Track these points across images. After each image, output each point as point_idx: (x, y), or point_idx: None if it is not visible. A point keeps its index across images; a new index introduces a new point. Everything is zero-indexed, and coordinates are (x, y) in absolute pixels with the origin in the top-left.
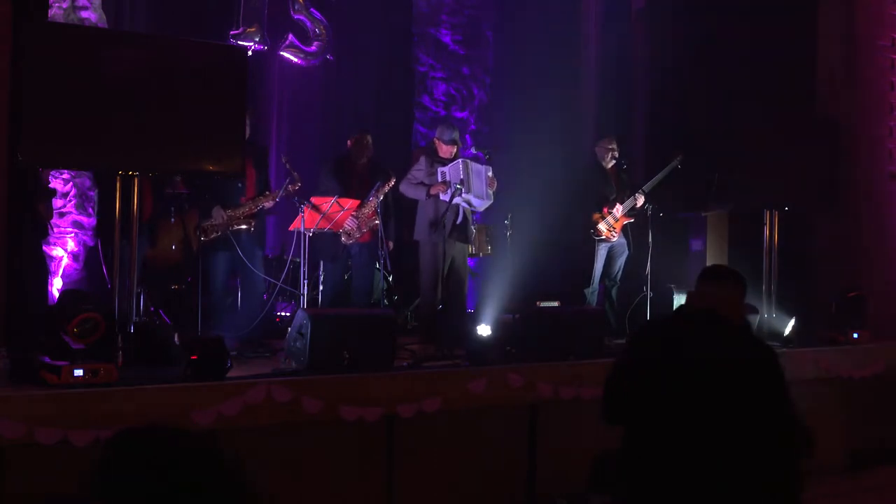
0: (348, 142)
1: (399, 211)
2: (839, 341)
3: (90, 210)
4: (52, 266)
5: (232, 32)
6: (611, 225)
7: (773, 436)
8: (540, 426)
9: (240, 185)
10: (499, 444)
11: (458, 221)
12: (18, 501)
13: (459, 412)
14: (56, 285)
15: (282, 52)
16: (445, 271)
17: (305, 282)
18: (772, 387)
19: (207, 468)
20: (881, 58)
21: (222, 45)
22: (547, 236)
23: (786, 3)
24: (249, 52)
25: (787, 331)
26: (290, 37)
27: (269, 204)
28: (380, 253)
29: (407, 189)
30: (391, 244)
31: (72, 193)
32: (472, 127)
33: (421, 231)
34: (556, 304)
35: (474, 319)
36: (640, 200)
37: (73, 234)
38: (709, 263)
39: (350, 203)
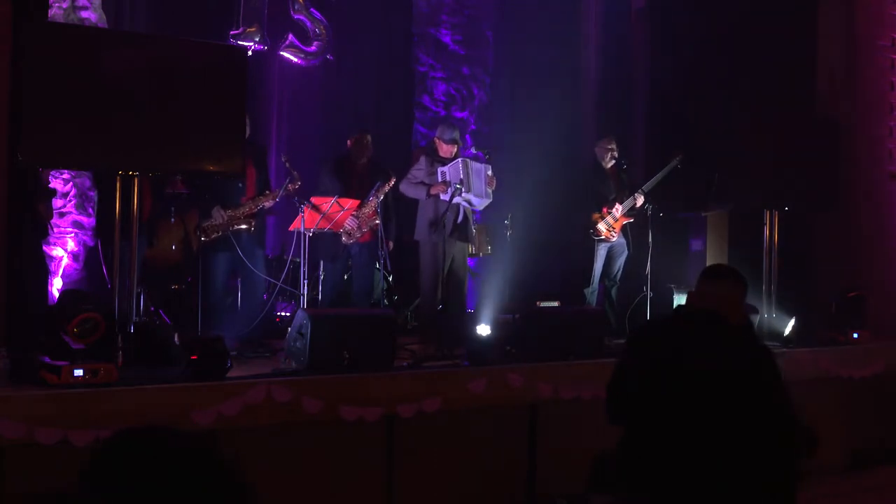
0: (348, 142)
1: (399, 211)
2: (839, 341)
3: (90, 210)
4: (52, 266)
5: (232, 32)
6: (610, 225)
7: (772, 436)
8: (540, 426)
9: (240, 184)
10: (499, 444)
11: (458, 221)
12: (18, 501)
13: (459, 412)
14: (56, 285)
15: (282, 52)
16: (446, 271)
17: (305, 282)
18: (769, 387)
19: (205, 469)
20: (881, 58)
21: (222, 45)
22: (547, 236)
23: (786, 4)
24: (249, 52)
25: (787, 331)
26: (290, 37)
27: (269, 203)
28: (380, 253)
29: (407, 189)
30: (391, 244)
31: (72, 193)
32: (472, 127)
33: (421, 231)
34: (556, 304)
35: (474, 319)
36: (640, 200)
37: (73, 234)
38: (709, 263)
39: (350, 203)
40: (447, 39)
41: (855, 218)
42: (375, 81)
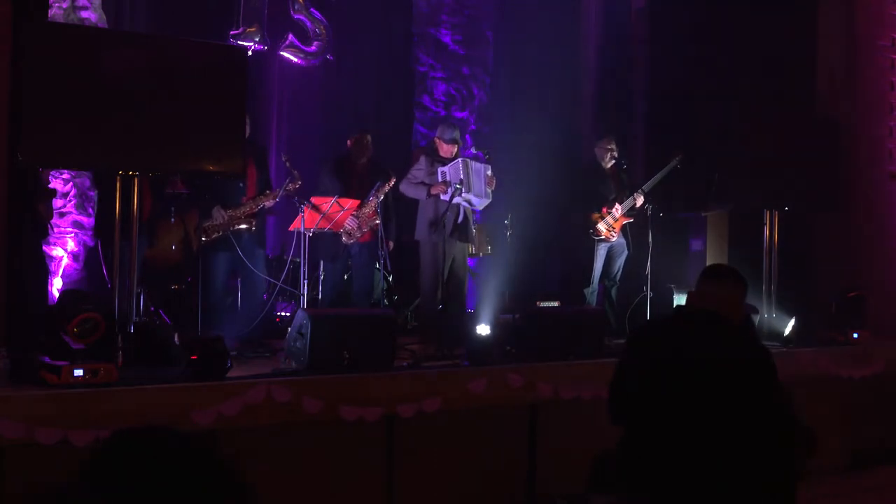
0: (348, 142)
1: (399, 211)
2: (839, 341)
3: (90, 210)
4: (52, 266)
5: (232, 32)
6: (610, 225)
7: (772, 436)
8: (540, 426)
9: (241, 184)
10: (499, 444)
11: (458, 221)
12: (18, 501)
13: (459, 412)
14: (56, 285)
15: (282, 52)
16: (446, 271)
17: (305, 282)
18: (769, 387)
19: (205, 469)
20: (881, 58)
21: (222, 45)
22: (547, 236)
23: (786, 4)
24: (249, 52)
25: (787, 331)
26: (290, 37)
27: (269, 203)
28: (380, 253)
29: (407, 189)
30: (391, 244)
31: (72, 193)
32: (472, 127)
33: (421, 231)
34: (556, 304)
35: (474, 319)
36: (640, 200)
37: (73, 234)
38: (709, 263)
39: (350, 203)
40: (447, 39)
41: (855, 218)
42: (375, 81)
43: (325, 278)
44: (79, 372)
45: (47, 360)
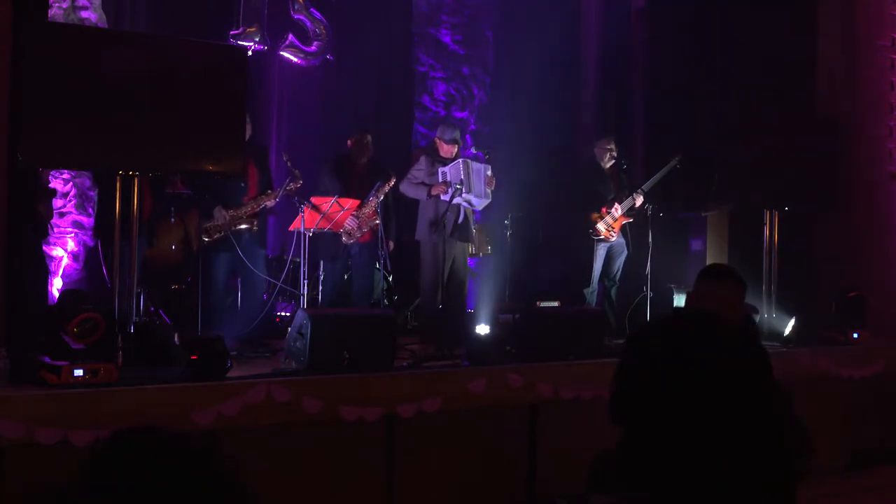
0: (348, 142)
1: (399, 211)
2: (839, 341)
3: (90, 210)
4: (52, 266)
5: (232, 32)
6: (609, 225)
7: (772, 436)
8: (540, 426)
9: (242, 184)
10: (499, 444)
11: (459, 221)
12: (18, 501)
13: (459, 412)
14: (56, 285)
15: (282, 52)
16: (447, 272)
17: (305, 282)
18: (769, 387)
19: (204, 469)
20: (881, 58)
21: (222, 45)
22: (547, 236)
23: (786, 3)
24: (249, 52)
25: (787, 331)
26: (290, 37)
27: (271, 203)
28: (380, 253)
29: (407, 189)
30: (391, 244)
31: (72, 193)
32: (472, 127)
33: (422, 231)
34: (556, 304)
35: (474, 319)
36: (639, 200)
37: (73, 234)
38: (708, 263)
39: (350, 203)
40: (447, 39)
41: (855, 218)
42: (375, 81)
43: (325, 278)
44: (79, 372)
45: (47, 360)
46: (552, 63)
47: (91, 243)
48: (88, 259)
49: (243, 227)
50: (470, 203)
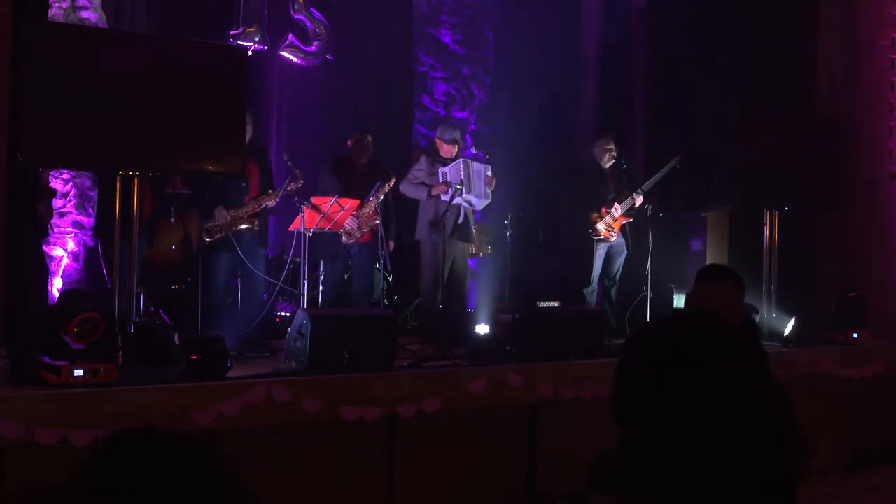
0: (348, 142)
1: (399, 211)
2: (839, 341)
3: (90, 210)
4: (52, 266)
5: (232, 32)
6: (609, 225)
7: (772, 436)
8: (540, 426)
9: (244, 184)
10: (499, 444)
11: (459, 221)
12: (18, 501)
13: (459, 412)
14: (56, 285)
15: (282, 52)
16: (447, 272)
17: (305, 282)
18: (768, 387)
19: (204, 469)
20: (881, 58)
21: (222, 45)
22: (547, 236)
23: (786, 3)
24: (249, 52)
25: (787, 331)
26: (290, 37)
27: (272, 203)
28: (380, 253)
29: (408, 189)
30: (391, 244)
31: (72, 193)
32: (472, 127)
33: (422, 231)
34: (556, 304)
35: (474, 319)
36: (639, 200)
37: (73, 234)
38: (708, 263)
39: (350, 203)
40: (447, 39)
41: (855, 218)
42: (375, 81)
43: (325, 278)
44: (79, 372)
45: (47, 360)
46: (552, 63)
47: (91, 243)
48: (88, 259)
49: (245, 226)
50: (470, 203)
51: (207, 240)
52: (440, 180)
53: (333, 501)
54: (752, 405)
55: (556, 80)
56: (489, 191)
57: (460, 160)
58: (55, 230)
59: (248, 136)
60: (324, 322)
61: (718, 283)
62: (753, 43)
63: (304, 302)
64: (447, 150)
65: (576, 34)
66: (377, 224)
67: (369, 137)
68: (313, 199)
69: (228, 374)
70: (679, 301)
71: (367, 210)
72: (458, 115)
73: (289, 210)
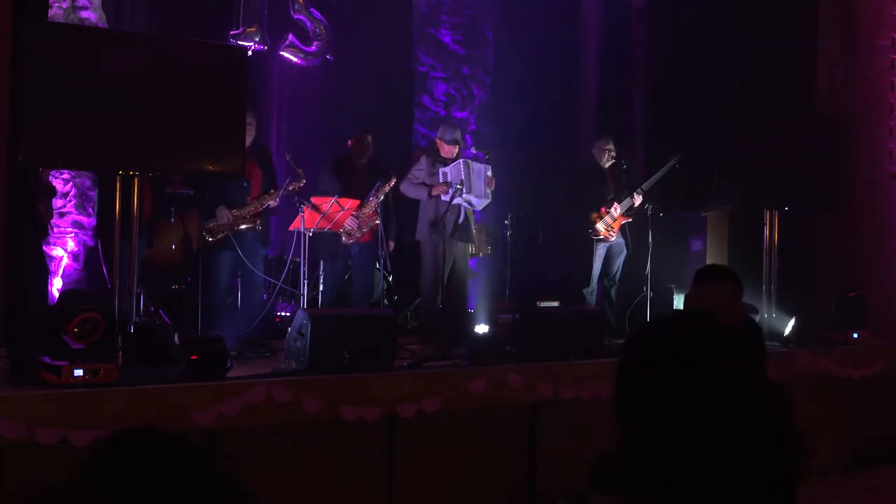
0: (348, 142)
1: (399, 211)
2: (839, 341)
3: (90, 210)
4: (52, 266)
5: (232, 32)
6: (608, 225)
7: (772, 436)
8: (540, 426)
9: (245, 184)
10: (499, 444)
11: (459, 221)
12: (18, 501)
13: (459, 412)
14: (56, 285)
15: (282, 52)
16: (447, 273)
17: (305, 282)
18: (768, 387)
19: (203, 469)
20: (881, 58)
21: (222, 45)
22: (547, 236)
23: (786, 3)
24: (249, 52)
25: (787, 331)
26: (290, 37)
27: (273, 203)
28: (380, 253)
29: (408, 189)
30: (391, 244)
31: (72, 193)
32: (472, 127)
33: (422, 231)
34: (556, 304)
35: (474, 319)
36: (638, 200)
37: (73, 234)
38: (708, 263)
39: (350, 203)
40: (447, 39)
41: (855, 218)
42: (375, 81)
43: (325, 278)
44: (79, 372)
45: (47, 360)
46: (552, 63)
47: (91, 243)
48: (88, 259)
49: (247, 226)
50: (470, 203)
51: (210, 239)
52: (440, 180)
53: (333, 501)
54: (751, 405)
55: (556, 80)
56: (489, 191)
57: (461, 160)
58: (55, 230)
59: (251, 137)
60: (324, 322)
61: (717, 283)
62: (753, 43)
63: (304, 302)
64: (448, 150)
65: (576, 34)
66: (377, 224)
67: (369, 137)
68: (313, 199)
69: (228, 374)
70: (679, 301)
71: (367, 210)
72: (458, 115)
73: (289, 210)
